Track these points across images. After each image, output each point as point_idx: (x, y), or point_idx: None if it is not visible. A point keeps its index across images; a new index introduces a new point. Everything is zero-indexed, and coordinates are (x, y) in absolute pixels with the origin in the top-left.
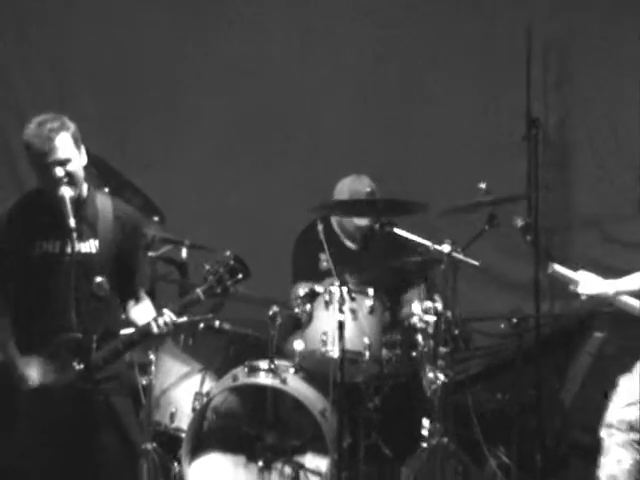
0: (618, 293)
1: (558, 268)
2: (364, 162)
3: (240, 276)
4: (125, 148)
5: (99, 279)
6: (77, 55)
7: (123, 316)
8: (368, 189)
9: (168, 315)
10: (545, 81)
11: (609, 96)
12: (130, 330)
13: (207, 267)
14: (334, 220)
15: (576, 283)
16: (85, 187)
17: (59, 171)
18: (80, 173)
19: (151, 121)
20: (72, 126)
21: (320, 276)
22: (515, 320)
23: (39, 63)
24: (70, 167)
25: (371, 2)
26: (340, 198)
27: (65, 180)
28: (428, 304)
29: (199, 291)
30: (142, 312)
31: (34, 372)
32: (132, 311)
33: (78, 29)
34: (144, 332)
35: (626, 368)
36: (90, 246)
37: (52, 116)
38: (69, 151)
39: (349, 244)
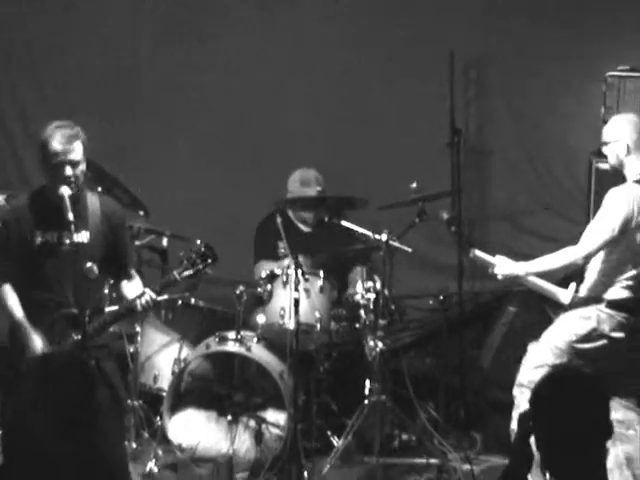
0: (527, 274)
1: (478, 253)
2: (314, 159)
3: (209, 260)
4: (115, 153)
5: (89, 264)
6: (76, 68)
7: (114, 294)
8: (317, 186)
9: (149, 294)
10: (466, 96)
11: (517, 108)
12: (116, 306)
13: (182, 253)
14: (290, 209)
15: (493, 265)
16: (80, 187)
17: (68, 170)
18: (82, 176)
19: (140, 131)
20: (84, 136)
21: (278, 259)
22: (442, 297)
23: (41, 74)
24: (77, 170)
25: (324, 29)
26: (292, 185)
27: (72, 180)
28: (369, 284)
29: (175, 273)
30: (133, 289)
31: (37, 343)
32: (125, 288)
33: (77, 43)
34: (129, 307)
35: (535, 337)
36: (82, 237)
37: (69, 123)
38: (81, 155)
39: (303, 228)
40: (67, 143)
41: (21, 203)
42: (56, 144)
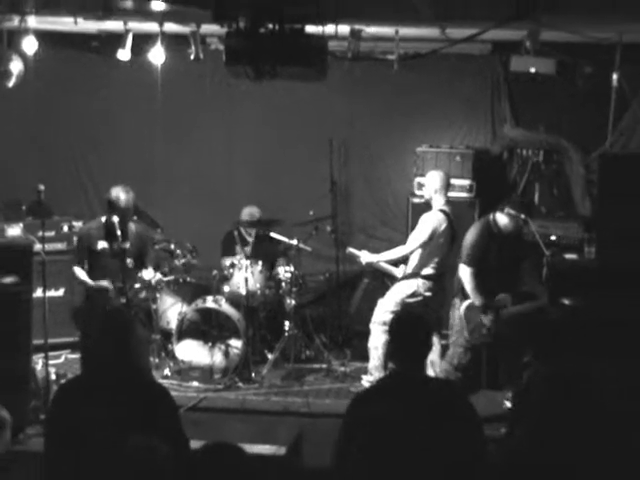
0: (379, 261)
1: (351, 250)
2: (255, 199)
3: (194, 254)
4: (144, 197)
5: (129, 260)
6: (120, 150)
7: (139, 275)
8: (257, 214)
9: (157, 277)
10: (339, 163)
11: (366, 169)
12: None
13: (179, 251)
14: (241, 228)
15: (359, 257)
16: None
17: (123, 209)
18: (128, 213)
19: (157, 185)
20: (130, 191)
21: (235, 254)
22: (327, 274)
23: (101, 152)
24: (127, 210)
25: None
26: (244, 217)
27: (121, 214)
28: (287, 268)
29: (176, 261)
30: (148, 274)
31: (104, 283)
32: (144, 273)
33: (119, 135)
34: (147, 284)
35: (380, 296)
36: (125, 244)
37: (124, 187)
38: (130, 203)
39: (248, 238)
40: (124, 199)
41: (88, 226)
42: (118, 200)
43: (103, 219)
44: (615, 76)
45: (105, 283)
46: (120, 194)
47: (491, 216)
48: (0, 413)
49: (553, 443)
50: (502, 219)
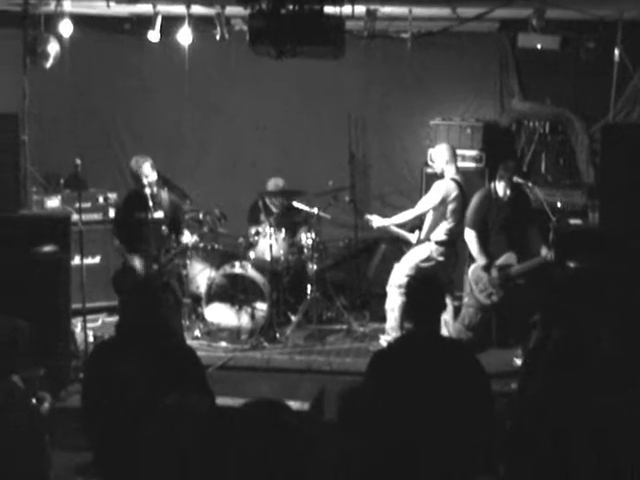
0: (390, 224)
1: (368, 216)
2: (279, 172)
3: (223, 220)
4: (174, 169)
5: (164, 227)
6: (150, 124)
7: (173, 243)
8: (281, 185)
9: (190, 241)
10: (357, 136)
11: (382, 141)
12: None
13: (208, 217)
14: (266, 198)
15: (371, 220)
16: (155, 187)
17: (145, 180)
18: (154, 182)
19: (185, 157)
20: (150, 160)
21: (260, 223)
22: (347, 240)
23: (132, 127)
24: (150, 178)
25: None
26: (269, 187)
27: (147, 184)
28: (309, 235)
29: (205, 228)
30: (185, 237)
31: (137, 263)
32: (183, 238)
33: (152, 110)
34: (183, 248)
35: (396, 261)
36: (159, 214)
37: (142, 156)
38: (149, 171)
39: (273, 208)
40: (141, 167)
41: (124, 198)
42: (136, 168)
43: (135, 191)
44: (617, 51)
45: (137, 263)
46: (136, 162)
47: (492, 184)
48: (40, 393)
49: (563, 402)
50: (499, 187)
